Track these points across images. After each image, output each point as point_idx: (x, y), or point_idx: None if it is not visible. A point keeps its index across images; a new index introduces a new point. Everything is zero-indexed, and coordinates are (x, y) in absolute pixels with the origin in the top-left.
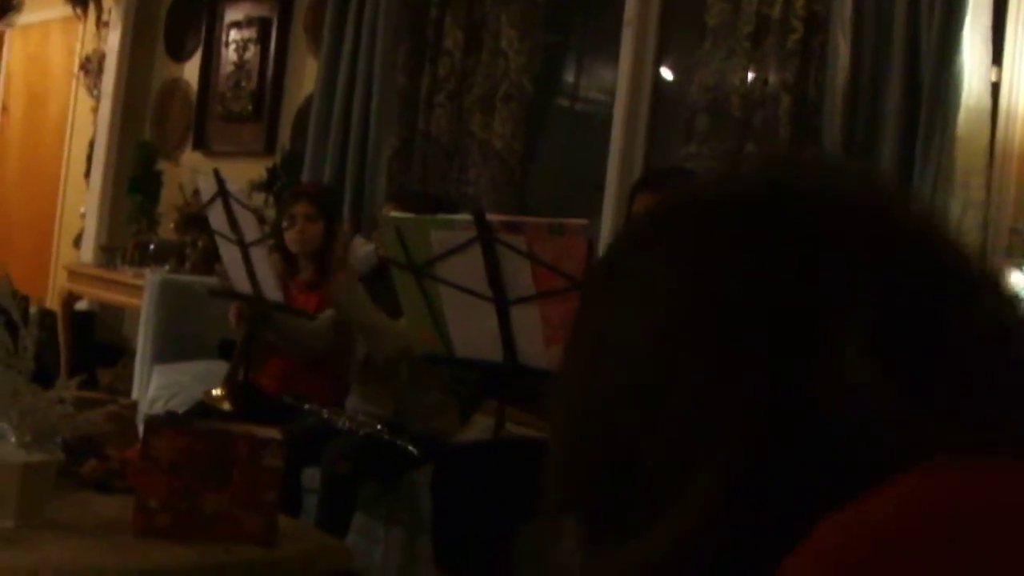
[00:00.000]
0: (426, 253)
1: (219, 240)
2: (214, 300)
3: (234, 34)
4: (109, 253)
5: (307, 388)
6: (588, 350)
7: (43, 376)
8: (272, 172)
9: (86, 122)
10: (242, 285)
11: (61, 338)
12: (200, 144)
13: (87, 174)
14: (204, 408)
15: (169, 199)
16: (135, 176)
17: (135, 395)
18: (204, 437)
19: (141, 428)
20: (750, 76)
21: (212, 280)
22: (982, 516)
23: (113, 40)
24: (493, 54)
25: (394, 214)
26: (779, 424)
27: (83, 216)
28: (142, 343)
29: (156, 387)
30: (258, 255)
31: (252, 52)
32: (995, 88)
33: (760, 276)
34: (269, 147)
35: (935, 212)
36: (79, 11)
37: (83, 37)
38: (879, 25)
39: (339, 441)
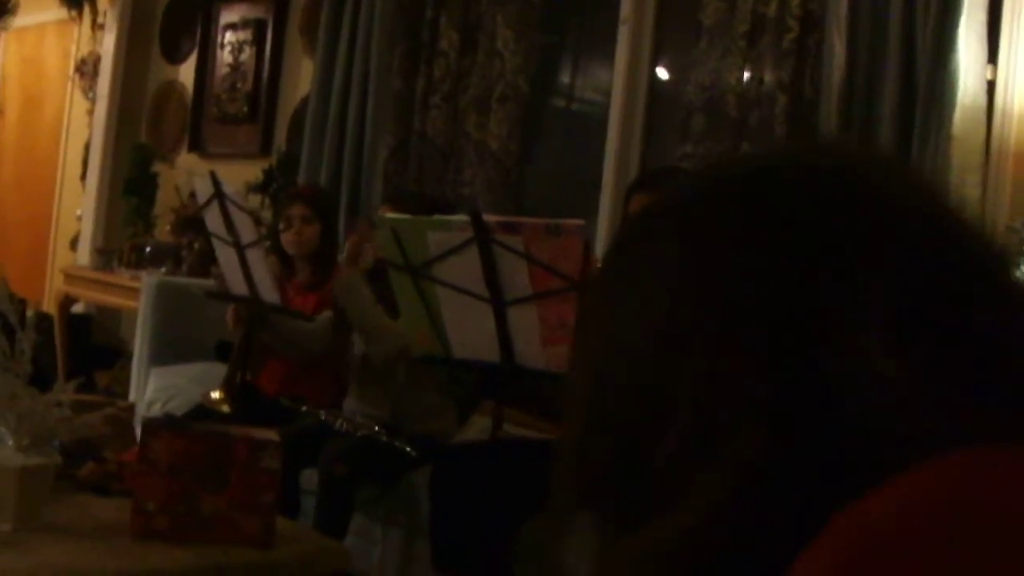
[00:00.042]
0: (423, 254)
1: (215, 242)
2: (211, 302)
3: (229, 36)
4: (105, 255)
5: (305, 390)
6: (592, 352)
7: (40, 379)
8: (268, 174)
9: (82, 124)
10: (239, 287)
11: (58, 341)
12: (196, 146)
13: (83, 176)
14: (203, 411)
15: (165, 201)
16: (131, 178)
17: (132, 397)
18: (202, 439)
19: (139, 430)
20: (746, 75)
21: (209, 282)
22: (988, 515)
23: (108, 42)
24: (489, 55)
25: (390, 215)
26: (787, 420)
27: (79, 219)
28: (139, 345)
29: (153, 389)
30: (254, 257)
31: (248, 54)
32: (990, 86)
33: (763, 272)
34: (265, 149)
35: (950, 191)
36: (74, 13)
37: (78, 39)
38: (875, 24)
39: (337, 443)
